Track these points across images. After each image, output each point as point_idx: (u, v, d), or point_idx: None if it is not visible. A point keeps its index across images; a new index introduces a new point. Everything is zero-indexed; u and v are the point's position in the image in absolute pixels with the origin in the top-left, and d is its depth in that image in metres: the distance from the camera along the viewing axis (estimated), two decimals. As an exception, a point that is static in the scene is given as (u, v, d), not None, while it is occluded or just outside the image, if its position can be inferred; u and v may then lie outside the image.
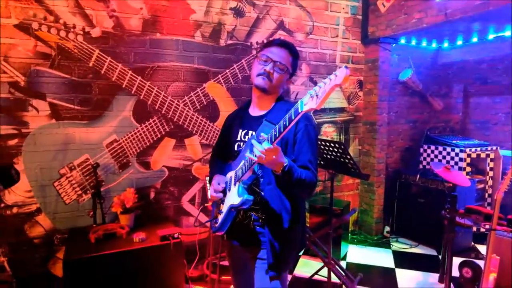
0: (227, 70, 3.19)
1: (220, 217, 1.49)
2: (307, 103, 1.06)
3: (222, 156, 1.67)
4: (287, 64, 1.46)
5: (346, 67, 0.96)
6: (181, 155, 3.08)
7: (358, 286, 2.81)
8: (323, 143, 2.59)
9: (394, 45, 3.87)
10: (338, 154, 2.52)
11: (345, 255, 3.45)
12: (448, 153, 3.89)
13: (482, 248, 3.52)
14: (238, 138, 1.54)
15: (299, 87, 3.58)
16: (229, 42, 3.19)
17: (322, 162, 2.67)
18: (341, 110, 3.89)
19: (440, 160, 3.97)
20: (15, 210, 2.53)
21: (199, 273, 2.92)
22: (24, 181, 2.54)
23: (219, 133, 1.90)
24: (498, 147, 3.83)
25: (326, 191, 3.75)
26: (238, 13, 3.20)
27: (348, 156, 2.46)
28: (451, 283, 2.32)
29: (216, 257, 2.72)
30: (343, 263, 3.26)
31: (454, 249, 2.94)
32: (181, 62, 3.00)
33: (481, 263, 2.07)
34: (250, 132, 1.50)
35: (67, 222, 2.67)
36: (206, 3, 3.05)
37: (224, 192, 1.50)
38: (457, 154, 3.80)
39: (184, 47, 3.00)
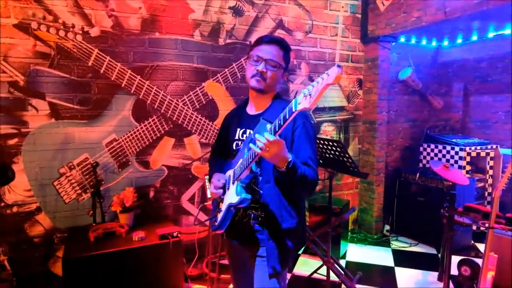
0: (226, 69, 3.19)
1: (220, 216, 1.50)
2: (300, 102, 1.06)
3: (221, 154, 1.68)
4: (279, 60, 1.45)
5: (338, 65, 0.95)
6: (180, 154, 3.08)
7: (357, 285, 2.81)
8: (322, 141, 2.59)
9: (393, 43, 3.87)
10: (337, 152, 2.52)
11: (345, 254, 3.46)
12: (448, 152, 3.89)
13: (482, 247, 3.50)
14: (236, 137, 1.54)
15: (298, 86, 3.58)
16: (228, 41, 3.19)
17: (321, 161, 2.67)
18: (340, 109, 3.89)
19: (440, 159, 3.96)
20: (15, 209, 2.54)
21: (199, 271, 2.92)
22: (24, 180, 2.55)
23: (218, 132, 1.90)
24: (498, 146, 3.83)
25: (326, 190, 3.75)
26: (237, 12, 3.20)
27: (347, 155, 2.46)
28: (450, 282, 2.32)
29: (216, 255, 2.73)
30: (342, 262, 3.26)
31: (454, 248, 2.95)
32: (180, 61, 3.00)
33: (480, 261, 2.07)
34: (248, 131, 1.50)
35: (66, 221, 2.68)
36: (205, 2, 3.05)
37: (224, 188, 1.50)
38: (457, 153, 3.79)
39: (183, 46, 3.00)
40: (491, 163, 3.82)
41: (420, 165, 4.21)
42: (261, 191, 1.42)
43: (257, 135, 1.19)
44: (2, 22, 2.41)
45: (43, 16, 2.52)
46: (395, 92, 4.21)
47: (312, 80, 3.66)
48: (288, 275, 2.96)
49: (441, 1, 3.00)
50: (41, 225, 2.62)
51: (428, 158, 4.12)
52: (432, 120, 4.51)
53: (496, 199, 1.90)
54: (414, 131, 4.41)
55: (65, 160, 2.66)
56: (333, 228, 2.96)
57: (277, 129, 1.16)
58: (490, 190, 3.85)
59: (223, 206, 1.48)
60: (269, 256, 1.40)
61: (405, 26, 3.38)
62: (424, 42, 4.16)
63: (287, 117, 1.11)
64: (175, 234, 2.39)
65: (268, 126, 1.18)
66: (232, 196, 1.39)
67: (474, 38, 3.96)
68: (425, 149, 4.17)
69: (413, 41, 4.07)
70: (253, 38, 3.28)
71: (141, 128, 2.91)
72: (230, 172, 1.49)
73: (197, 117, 3.11)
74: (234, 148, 1.54)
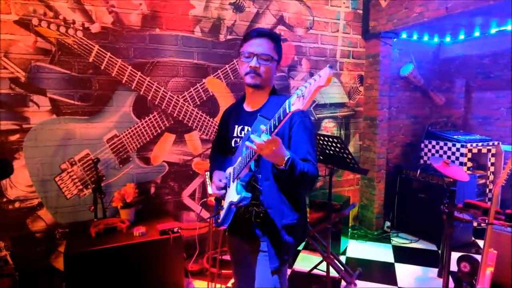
0: (227, 66, 3.19)
1: (222, 213, 1.52)
2: (294, 103, 1.05)
3: (221, 151, 1.68)
4: (271, 52, 1.43)
5: (330, 66, 0.94)
6: (181, 150, 3.09)
7: (357, 281, 2.82)
8: (322, 138, 2.59)
9: (395, 39, 3.84)
10: (337, 149, 2.52)
11: (345, 250, 3.47)
12: (449, 148, 3.87)
13: (482, 243, 3.50)
14: (235, 134, 1.55)
15: (299, 82, 3.57)
16: (229, 37, 3.18)
17: (321, 157, 2.67)
18: (341, 105, 3.89)
19: (441, 156, 3.96)
20: (17, 204, 2.56)
21: (199, 267, 2.94)
22: (26, 176, 2.57)
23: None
24: (500, 142, 3.81)
25: (326, 186, 3.75)
26: (237, 8, 3.19)
27: (347, 151, 2.46)
28: (450, 277, 2.33)
29: (216, 251, 2.74)
30: (343, 258, 3.27)
31: (454, 244, 2.95)
32: (181, 58, 3.00)
33: (479, 257, 2.07)
34: (246, 128, 1.50)
35: (68, 216, 2.70)
36: (206, -2, 3.05)
37: (225, 188, 1.52)
38: (458, 149, 3.78)
39: (184, 42, 3.00)
40: (493, 159, 3.81)
41: (421, 161, 4.20)
42: (261, 188, 1.43)
43: (252, 136, 1.19)
44: (3, 18, 2.42)
45: (44, 12, 2.52)
46: (396, 88, 4.19)
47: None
48: (288, 271, 2.97)
49: (443, -3, 2.98)
50: (43, 220, 2.64)
51: (430, 154, 4.11)
52: (433, 116, 4.49)
53: (495, 195, 1.90)
54: (415, 128, 4.40)
55: (67, 156, 2.68)
56: (333, 224, 2.97)
57: (272, 130, 1.16)
58: (491, 186, 3.84)
59: (225, 204, 1.50)
60: (270, 251, 1.42)
61: (407, 22, 3.36)
62: (426, 38, 4.14)
63: (282, 118, 1.11)
64: (175, 230, 2.40)
65: (263, 127, 1.18)
66: (232, 195, 1.40)
67: (477, 34, 3.93)
68: (426, 146, 4.16)
69: (414, 37, 4.05)
70: (253, 34, 3.27)
71: (142, 124, 2.91)
72: (230, 170, 1.50)
73: (197, 113, 3.12)
74: (233, 145, 1.54)
